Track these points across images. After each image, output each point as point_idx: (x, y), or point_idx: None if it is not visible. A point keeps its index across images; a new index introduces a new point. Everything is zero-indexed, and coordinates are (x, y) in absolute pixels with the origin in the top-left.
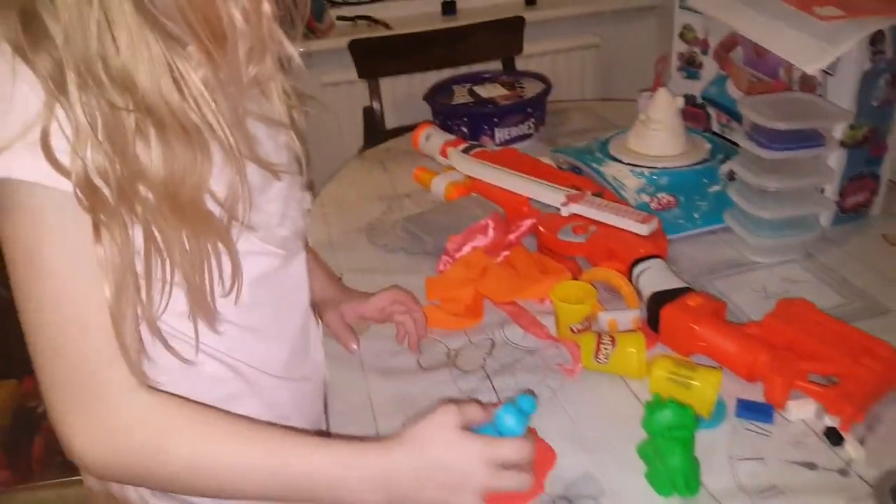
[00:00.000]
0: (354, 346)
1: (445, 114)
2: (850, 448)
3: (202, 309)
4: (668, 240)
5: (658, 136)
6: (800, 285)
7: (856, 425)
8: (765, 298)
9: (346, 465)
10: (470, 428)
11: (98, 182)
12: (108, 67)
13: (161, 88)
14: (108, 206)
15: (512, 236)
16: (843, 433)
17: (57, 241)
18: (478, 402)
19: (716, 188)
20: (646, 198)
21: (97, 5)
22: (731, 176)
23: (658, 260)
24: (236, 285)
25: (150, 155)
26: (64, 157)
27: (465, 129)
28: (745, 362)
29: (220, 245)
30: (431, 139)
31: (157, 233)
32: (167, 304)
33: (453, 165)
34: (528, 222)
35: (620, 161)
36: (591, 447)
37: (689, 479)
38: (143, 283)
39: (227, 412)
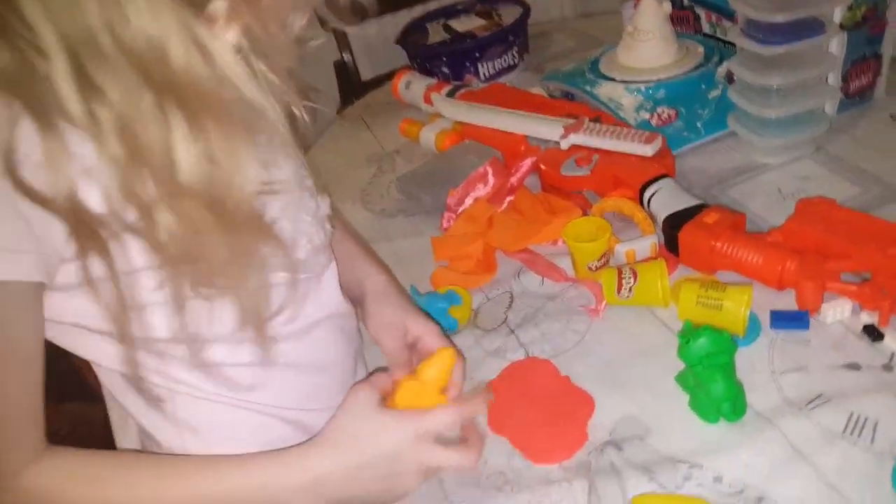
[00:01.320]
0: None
1: (422, 56)
2: (891, 341)
3: (259, 332)
4: (673, 156)
5: (648, 46)
6: (814, 181)
7: (894, 318)
8: (781, 200)
9: (267, 480)
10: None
11: (107, 206)
12: (117, 39)
13: (187, 60)
14: (111, 229)
15: (513, 179)
16: (881, 328)
17: None
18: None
19: (715, 93)
20: (645, 115)
21: None
22: (730, 78)
23: (667, 179)
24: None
25: (180, 153)
26: (42, 185)
27: (446, 70)
28: (773, 272)
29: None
30: (412, 86)
31: (192, 249)
32: (214, 330)
33: (440, 112)
34: (528, 162)
35: (613, 79)
36: (628, 386)
37: (735, 404)
38: (174, 306)
39: (138, 454)
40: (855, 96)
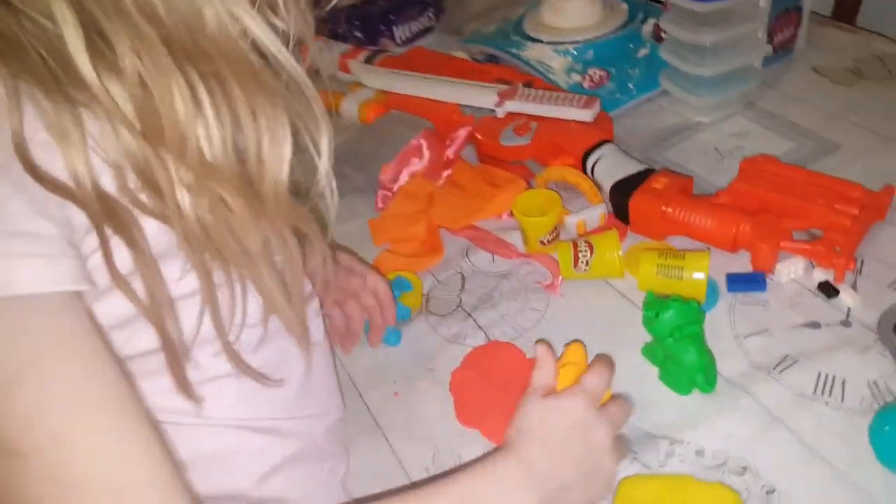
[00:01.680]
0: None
1: (332, 20)
2: (846, 297)
3: (299, 327)
4: (612, 120)
5: (574, 5)
6: (749, 138)
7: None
8: (720, 160)
9: (479, 484)
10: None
11: (126, 187)
12: None
13: (218, 23)
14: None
15: (449, 152)
16: (836, 284)
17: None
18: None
19: (644, 52)
20: (577, 77)
21: None
22: (658, 36)
23: (610, 145)
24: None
25: (209, 129)
26: (61, 173)
27: (359, 35)
28: (727, 235)
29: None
30: (325, 54)
31: (221, 236)
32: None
33: (360, 81)
34: (463, 132)
35: (540, 41)
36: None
37: (708, 374)
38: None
39: None
40: (779, 50)
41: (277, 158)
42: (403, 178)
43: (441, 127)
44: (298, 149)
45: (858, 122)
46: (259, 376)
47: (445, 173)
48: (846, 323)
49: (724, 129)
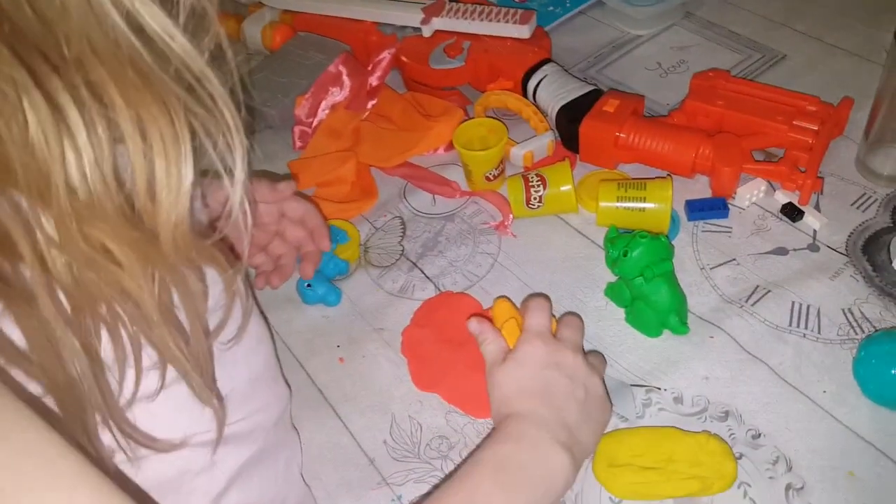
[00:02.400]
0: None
1: None
2: (811, 219)
3: (199, 378)
4: (549, 36)
5: None
6: (692, 51)
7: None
8: (664, 76)
9: (515, 454)
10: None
11: None
12: None
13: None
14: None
15: (373, 79)
16: (801, 206)
17: None
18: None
19: None
20: None
21: None
22: None
23: (551, 64)
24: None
25: (84, 157)
26: None
27: None
28: (685, 160)
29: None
30: None
31: (113, 292)
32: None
33: (261, 0)
34: (386, 56)
35: None
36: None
37: (681, 313)
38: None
39: None
40: None
41: (175, 187)
42: (323, 110)
43: (358, 50)
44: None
45: (803, 31)
46: (149, 440)
47: (370, 104)
48: (814, 247)
49: (664, 42)
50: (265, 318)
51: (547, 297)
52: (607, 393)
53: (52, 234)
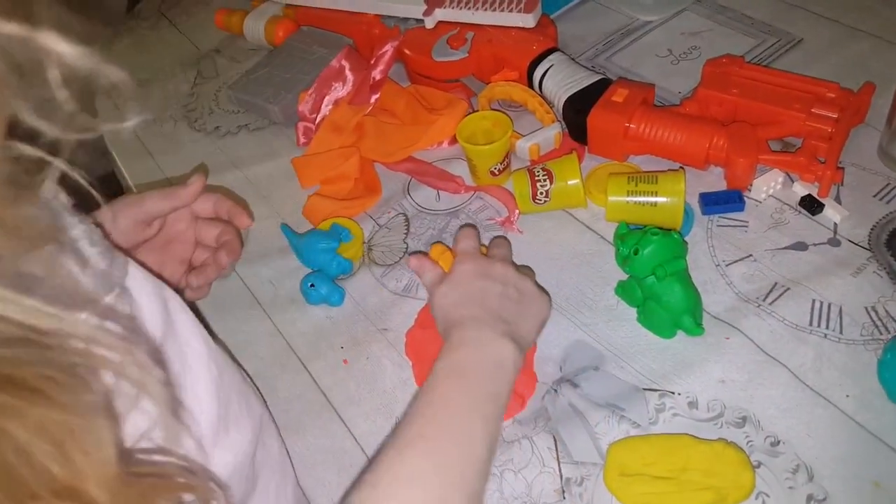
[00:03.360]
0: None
1: None
2: (832, 211)
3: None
4: (555, 24)
5: None
6: (704, 37)
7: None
8: (675, 63)
9: (465, 358)
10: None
11: None
12: None
13: None
14: None
15: (376, 72)
16: (821, 198)
17: None
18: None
19: None
20: None
21: None
22: None
23: (557, 53)
24: None
25: None
26: None
27: None
28: (699, 151)
29: None
30: None
31: None
32: None
33: None
34: (389, 48)
35: None
36: (566, 308)
37: (696, 314)
38: None
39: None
40: None
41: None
42: (326, 106)
43: (361, 44)
44: None
45: (820, 13)
46: None
47: (373, 98)
48: (834, 241)
49: (675, 28)
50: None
51: (474, 226)
52: (542, 291)
53: None
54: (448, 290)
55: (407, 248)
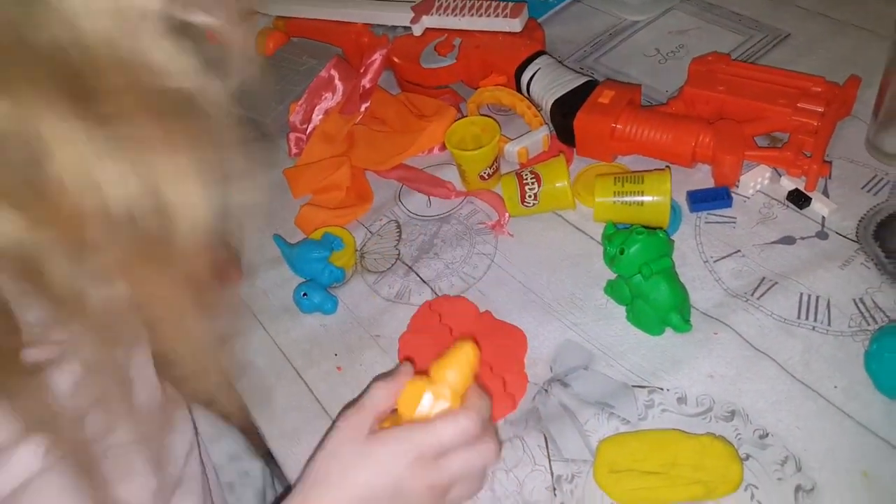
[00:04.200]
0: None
1: None
2: (819, 205)
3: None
4: (542, 28)
5: None
6: (691, 35)
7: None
8: (663, 62)
9: None
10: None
11: None
12: None
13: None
14: None
15: (365, 81)
16: (808, 192)
17: None
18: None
19: None
20: None
21: None
22: None
23: (544, 57)
24: None
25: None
26: None
27: None
28: (685, 149)
29: None
30: None
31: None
32: None
33: (254, 7)
34: (378, 57)
35: None
36: (556, 309)
37: (683, 311)
38: None
39: None
40: None
41: (193, 211)
42: (317, 116)
43: (351, 53)
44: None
45: (807, 7)
46: None
47: (363, 106)
48: (822, 234)
49: (662, 27)
50: None
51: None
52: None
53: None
54: (352, 457)
55: (399, 255)
